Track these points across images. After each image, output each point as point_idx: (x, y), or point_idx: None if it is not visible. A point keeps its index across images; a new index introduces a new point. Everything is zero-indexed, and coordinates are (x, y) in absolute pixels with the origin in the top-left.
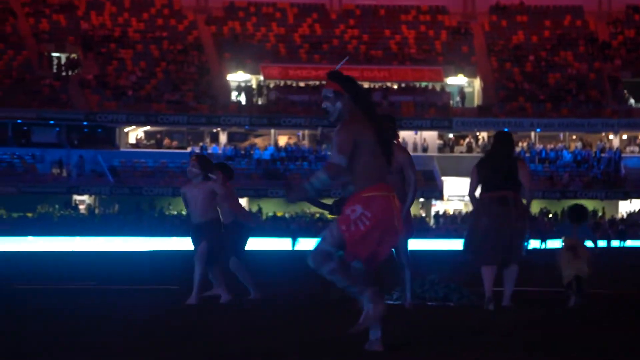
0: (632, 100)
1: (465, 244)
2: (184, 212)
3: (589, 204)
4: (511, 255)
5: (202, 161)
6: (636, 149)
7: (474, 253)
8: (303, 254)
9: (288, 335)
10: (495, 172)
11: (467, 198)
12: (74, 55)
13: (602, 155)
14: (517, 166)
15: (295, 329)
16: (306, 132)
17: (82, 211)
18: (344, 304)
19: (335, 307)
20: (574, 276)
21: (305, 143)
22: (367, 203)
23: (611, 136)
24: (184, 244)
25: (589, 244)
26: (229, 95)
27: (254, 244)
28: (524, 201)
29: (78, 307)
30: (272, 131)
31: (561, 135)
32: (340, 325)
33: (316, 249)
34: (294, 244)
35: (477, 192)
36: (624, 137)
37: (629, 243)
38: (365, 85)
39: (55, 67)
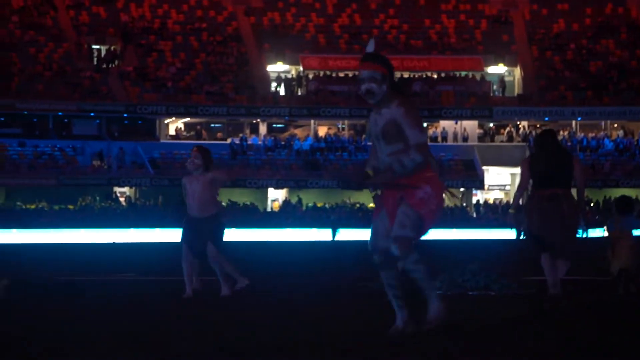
0: None
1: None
2: (223, 204)
3: (631, 193)
4: (561, 251)
5: (204, 153)
6: None
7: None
8: (343, 244)
9: (305, 330)
10: (546, 169)
11: (508, 188)
12: (114, 47)
13: None
14: (572, 163)
15: (315, 323)
16: (346, 122)
17: (123, 203)
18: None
19: (363, 299)
20: (619, 269)
21: (345, 133)
22: (431, 183)
23: None
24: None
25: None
26: (269, 86)
27: (294, 234)
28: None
29: (104, 298)
30: (312, 122)
31: (602, 123)
32: (361, 320)
33: (401, 237)
34: (334, 235)
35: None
36: None
37: None
38: (406, 75)
39: (95, 59)
